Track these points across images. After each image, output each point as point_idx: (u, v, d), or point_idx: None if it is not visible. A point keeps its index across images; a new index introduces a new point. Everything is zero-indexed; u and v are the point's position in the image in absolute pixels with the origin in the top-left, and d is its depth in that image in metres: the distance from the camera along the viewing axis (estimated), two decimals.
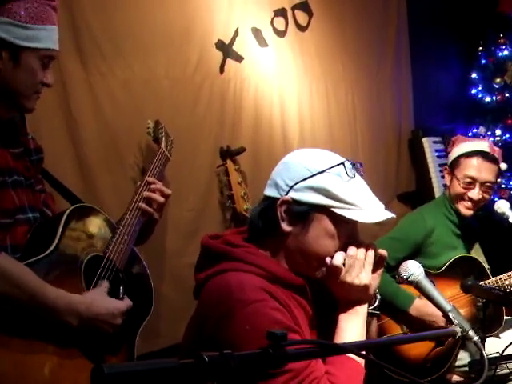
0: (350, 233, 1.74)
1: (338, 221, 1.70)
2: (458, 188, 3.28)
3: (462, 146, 3.36)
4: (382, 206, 1.76)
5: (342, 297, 1.79)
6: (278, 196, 1.71)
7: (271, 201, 1.73)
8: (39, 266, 1.92)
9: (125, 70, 3.05)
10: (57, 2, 2.09)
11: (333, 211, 1.68)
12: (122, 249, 2.17)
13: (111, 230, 2.21)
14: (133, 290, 2.16)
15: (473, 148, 3.33)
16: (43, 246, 1.98)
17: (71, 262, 2.02)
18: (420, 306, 3.02)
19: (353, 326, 1.75)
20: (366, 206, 1.71)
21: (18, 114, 2.23)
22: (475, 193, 3.24)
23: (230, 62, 3.49)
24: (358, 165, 1.76)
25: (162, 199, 2.39)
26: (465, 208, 3.29)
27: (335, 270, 1.72)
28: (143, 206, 2.33)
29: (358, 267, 1.72)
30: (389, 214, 1.72)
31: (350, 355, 1.66)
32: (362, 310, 1.77)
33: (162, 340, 3.04)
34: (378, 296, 1.87)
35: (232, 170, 3.20)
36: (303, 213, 1.69)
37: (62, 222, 2.04)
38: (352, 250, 1.72)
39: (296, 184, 1.69)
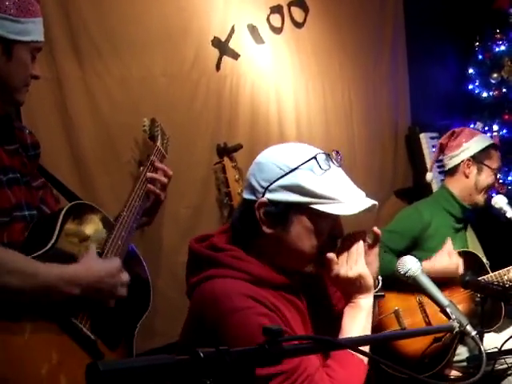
0: (332, 225, 1.73)
1: (318, 216, 1.68)
2: (490, 178, 3.35)
3: (483, 139, 3.45)
4: (363, 193, 1.74)
5: (341, 290, 1.80)
6: (254, 198, 1.70)
7: (249, 204, 1.72)
8: None
9: (121, 67, 3.04)
10: None
11: (311, 207, 1.67)
12: (120, 245, 2.17)
13: (108, 228, 2.21)
14: (131, 287, 2.16)
15: (491, 141, 3.50)
16: (41, 244, 1.97)
17: (69, 259, 2.02)
18: (429, 267, 3.00)
19: (355, 322, 1.75)
20: (344, 197, 1.68)
21: (14, 109, 2.24)
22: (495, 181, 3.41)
23: (226, 59, 3.48)
24: (334, 154, 1.72)
25: (165, 179, 2.51)
26: (485, 198, 3.34)
27: (330, 263, 1.73)
28: (151, 186, 2.43)
29: (350, 259, 1.73)
30: (370, 202, 1.70)
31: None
32: (365, 303, 1.77)
33: (160, 337, 3.03)
34: (380, 278, 1.88)
35: (229, 168, 3.19)
36: (281, 213, 1.68)
37: (60, 219, 2.04)
38: (342, 243, 1.74)
39: (270, 185, 1.67)
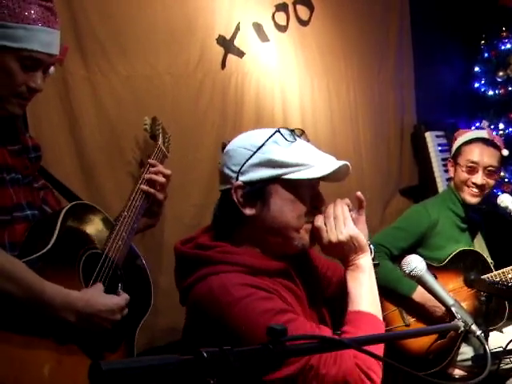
0: (312, 194, 1.75)
1: (294, 185, 1.70)
2: (461, 175, 3.35)
3: (463, 137, 3.45)
4: (333, 157, 1.75)
5: (337, 257, 1.79)
6: (229, 186, 1.72)
7: (226, 194, 1.73)
8: (37, 263, 1.90)
9: (126, 66, 3.04)
10: (53, 3, 1.98)
11: (284, 178, 1.68)
12: (121, 246, 2.16)
13: (109, 228, 2.21)
14: (132, 287, 2.15)
15: (473, 136, 3.45)
16: (41, 244, 1.96)
17: (69, 260, 2.02)
18: (424, 292, 2.99)
19: (359, 284, 1.75)
20: (314, 162, 1.70)
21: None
22: (479, 177, 3.31)
23: (231, 57, 3.48)
24: (298, 131, 1.77)
25: (162, 179, 2.47)
26: (470, 195, 3.33)
27: (319, 232, 1.73)
28: (144, 187, 2.39)
29: (338, 223, 1.72)
30: (341, 162, 1.71)
31: (367, 309, 1.69)
32: (364, 263, 1.76)
33: (162, 336, 3.04)
34: (372, 246, 1.87)
35: None
36: (258, 191, 1.70)
37: (60, 219, 2.03)
38: (327, 209, 1.74)
39: (242, 167, 1.70)
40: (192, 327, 1.72)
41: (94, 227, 2.15)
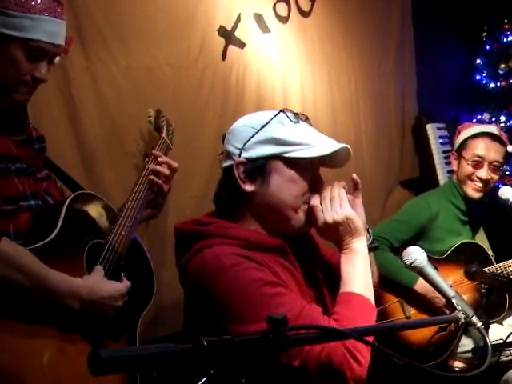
0: (312, 176, 1.77)
1: (295, 164, 1.73)
2: (466, 169, 3.33)
3: (469, 131, 3.43)
4: (334, 140, 1.77)
5: (332, 239, 1.79)
6: (232, 162, 1.75)
7: (228, 170, 1.76)
8: (41, 252, 1.92)
9: (127, 56, 3.02)
10: None
11: (286, 156, 1.71)
12: (124, 236, 2.17)
13: (112, 217, 2.22)
14: (134, 278, 2.16)
15: (480, 130, 3.43)
16: (45, 233, 1.98)
17: (73, 248, 2.03)
18: (425, 283, 2.99)
19: (353, 266, 1.74)
20: (316, 142, 1.73)
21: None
22: (484, 172, 3.31)
23: (232, 48, 3.47)
24: (302, 116, 1.79)
25: (167, 171, 2.50)
26: (473, 190, 3.33)
27: (315, 211, 1.74)
28: (153, 177, 2.42)
29: (334, 204, 1.73)
30: (341, 145, 1.73)
31: (359, 291, 1.69)
32: (358, 246, 1.76)
33: (163, 327, 3.03)
34: (370, 230, 1.87)
35: None
36: (259, 167, 1.73)
37: (64, 208, 2.04)
38: (323, 191, 1.76)
39: (245, 144, 1.73)
40: (188, 306, 1.73)
41: (98, 217, 2.17)
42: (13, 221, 1.96)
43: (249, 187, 1.73)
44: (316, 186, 1.78)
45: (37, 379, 1.82)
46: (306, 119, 1.80)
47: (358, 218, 1.76)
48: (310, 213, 1.75)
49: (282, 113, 1.75)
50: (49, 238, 1.96)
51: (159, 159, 2.52)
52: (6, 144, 1.99)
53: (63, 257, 1.99)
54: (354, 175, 1.85)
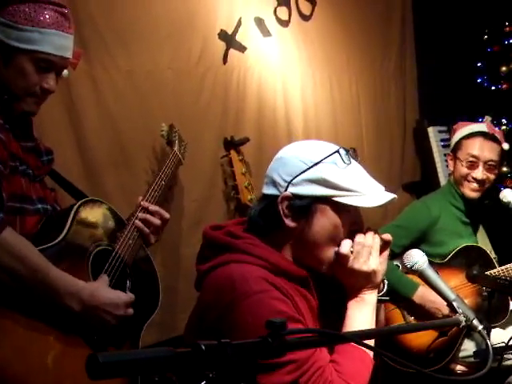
0: (353, 220, 1.73)
1: (341, 209, 1.69)
2: (461, 169, 3.32)
3: (462, 130, 3.42)
4: (382, 188, 1.75)
5: (350, 285, 1.77)
6: (277, 193, 1.70)
7: (271, 199, 1.71)
8: (48, 254, 1.94)
9: (128, 61, 3.04)
10: (68, 10, 2.11)
11: (334, 200, 1.67)
12: (131, 244, 2.20)
13: (119, 224, 2.24)
14: (140, 287, 2.18)
15: (472, 130, 3.40)
16: (52, 236, 2.01)
17: (79, 253, 2.06)
18: (424, 294, 3.01)
19: (361, 314, 1.74)
20: (366, 190, 1.69)
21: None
22: (479, 173, 3.28)
23: (233, 52, 3.48)
24: (352, 151, 1.74)
25: (158, 222, 2.34)
26: (470, 190, 3.31)
27: (343, 258, 1.70)
28: (139, 224, 2.28)
29: (366, 253, 1.70)
30: (390, 196, 1.71)
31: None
32: (370, 298, 1.75)
33: (165, 331, 3.03)
34: (386, 282, 1.85)
35: (236, 161, 3.19)
36: (305, 206, 1.68)
37: (72, 214, 2.08)
38: (359, 236, 1.72)
39: (294, 178, 1.68)
40: (200, 312, 1.71)
41: (104, 223, 2.19)
42: (19, 222, 1.99)
43: (291, 223, 1.69)
44: (355, 227, 1.74)
45: (38, 380, 1.83)
46: (356, 155, 1.76)
47: (380, 274, 1.75)
48: (338, 257, 1.72)
49: (336, 153, 1.69)
50: (55, 241, 1.99)
51: (150, 208, 2.34)
52: (16, 147, 2.04)
53: (69, 260, 2.01)
54: (387, 235, 1.80)
